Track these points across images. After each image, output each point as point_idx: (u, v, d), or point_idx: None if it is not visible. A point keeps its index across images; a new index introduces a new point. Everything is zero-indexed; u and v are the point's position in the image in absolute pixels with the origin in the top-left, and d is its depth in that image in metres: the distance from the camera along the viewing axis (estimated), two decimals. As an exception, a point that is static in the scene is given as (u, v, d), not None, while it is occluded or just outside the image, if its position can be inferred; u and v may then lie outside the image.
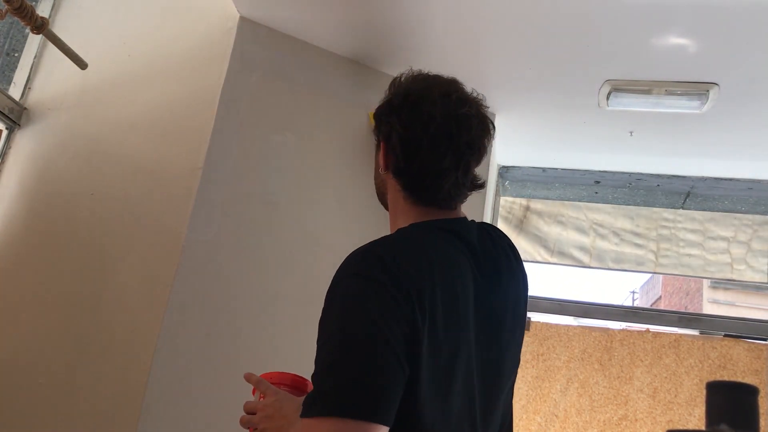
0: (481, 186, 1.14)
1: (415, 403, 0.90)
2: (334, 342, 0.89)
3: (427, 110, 1.06)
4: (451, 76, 1.16)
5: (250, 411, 1.10)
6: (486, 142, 1.12)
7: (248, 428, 1.09)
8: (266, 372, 1.14)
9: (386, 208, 1.19)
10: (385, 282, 0.90)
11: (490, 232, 1.17)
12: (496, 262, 1.11)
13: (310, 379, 0.91)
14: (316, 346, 0.90)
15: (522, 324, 1.16)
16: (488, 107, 1.16)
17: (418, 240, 1.04)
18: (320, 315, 0.93)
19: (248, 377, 1.13)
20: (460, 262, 1.03)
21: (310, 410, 0.85)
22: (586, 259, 2.91)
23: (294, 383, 1.12)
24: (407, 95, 1.10)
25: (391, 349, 0.86)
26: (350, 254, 0.97)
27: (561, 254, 2.92)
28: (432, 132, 1.05)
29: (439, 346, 0.93)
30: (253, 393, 1.12)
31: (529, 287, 1.18)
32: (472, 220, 1.16)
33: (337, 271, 0.95)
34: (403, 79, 1.16)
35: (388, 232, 1.09)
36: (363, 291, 0.91)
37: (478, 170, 1.15)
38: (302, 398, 0.94)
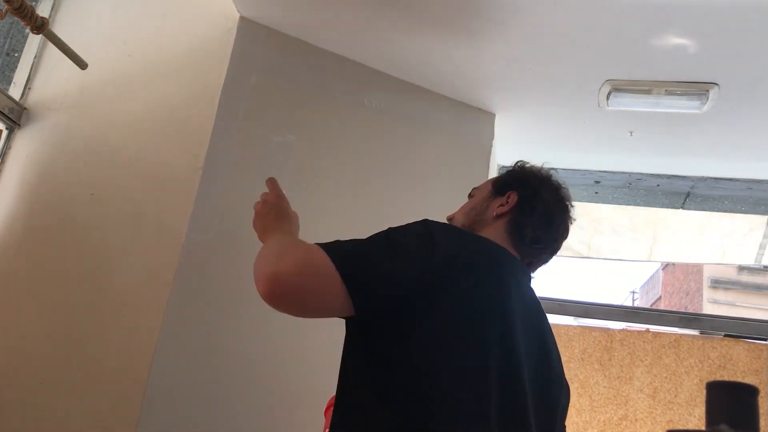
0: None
1: (409, 347, 1.00)
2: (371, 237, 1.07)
3: (568, 203, 1.36)
4: None
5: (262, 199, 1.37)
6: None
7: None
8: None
9: None
10: (436, 238, 1.06)
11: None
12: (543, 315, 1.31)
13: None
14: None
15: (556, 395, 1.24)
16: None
17: (488, 243, 1.22)
18: None
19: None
20: (515, 280, 1.18)
21: (324, 246, 1.02)
22: (584, 250, 2.92)
23: None
24: (559, 186, 1.37)
25: (404, 263, 1.01)
26: None
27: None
28: (561, 221, 1.33)
29: (459, 316, 1.03)
30: None
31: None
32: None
33: None
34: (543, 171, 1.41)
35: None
36: (416, 230, 1.08)
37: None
38: (293, 222, 1.30)
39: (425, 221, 1.10)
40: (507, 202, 1.30)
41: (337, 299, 0.98)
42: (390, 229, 1.08)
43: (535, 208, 1.29)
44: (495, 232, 1.28)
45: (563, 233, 1.34)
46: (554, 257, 1.37)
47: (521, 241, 1.27)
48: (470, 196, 1.41)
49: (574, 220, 1.37)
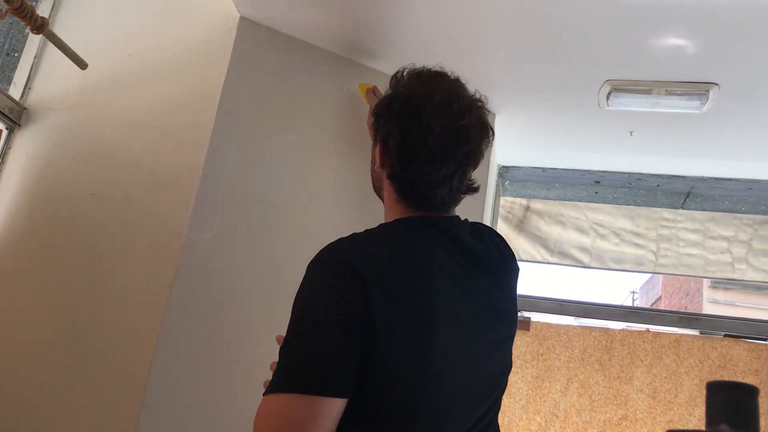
0: (476, 190, 1.16)
1: (384, 384, 0.95)
2: (291, 324, 0.98)
3: (427, 122, 1.07)
4: (455, 76, 1.16)
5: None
6: (484, 148, 1.14)
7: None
8: None
9: (382, 200, 1.23)
10: (340, 268, 0.96)
11: (482, 230, 1.18)
12: (489, 260, 1.13)
13: None
14: None
15: (510, 324, 1.15)
16: (489, 111, 1.18)
17: (392, 234, 1.08)
18: None
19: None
20: (438, 258, 1.05)
21: (267, 389, 0.94)
22: (586, 259, 2.91)
23: None
24: (407, 100, 1.11)
25: (341, 329, 0.92)
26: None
27: (561, 254, 2.92)
28: (430, 144, 1.06)
29: (404, 332, 0.95)
30: None
31: (517, 286, 1.18)
32: (465, 219, 1.16)
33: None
34: (405, 75, 1.19)
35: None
36: (320, 276, 0.98)
37: (478, 171, 1.16)
38: None
39: (315, 262, 1.01)
40: (379, 159, 1.14)
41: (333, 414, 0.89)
42: (299, 308, 0.99)
43: (399, 158, 1.08)
44: (389, 199, 1.13)
45: (458, 151, 1.07)
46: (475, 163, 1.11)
47: (414, 202, 1.10)
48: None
49: (488, 111, 1.13)
